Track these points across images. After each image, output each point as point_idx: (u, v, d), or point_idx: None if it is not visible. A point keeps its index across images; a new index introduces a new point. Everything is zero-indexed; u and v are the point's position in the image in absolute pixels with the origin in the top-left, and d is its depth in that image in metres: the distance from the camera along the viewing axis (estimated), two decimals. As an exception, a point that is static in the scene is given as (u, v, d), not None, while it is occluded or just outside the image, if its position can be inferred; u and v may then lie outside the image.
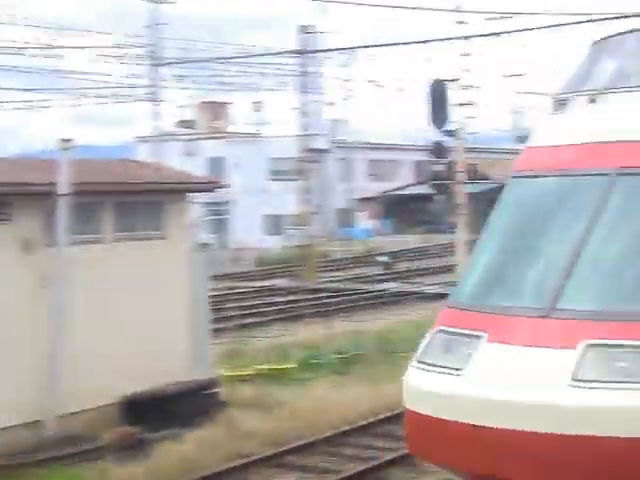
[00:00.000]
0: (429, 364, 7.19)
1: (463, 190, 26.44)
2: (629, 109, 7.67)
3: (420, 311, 24.56)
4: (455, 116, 25.60)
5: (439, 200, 55.80)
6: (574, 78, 8.61)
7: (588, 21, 26.50)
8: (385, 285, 32.84)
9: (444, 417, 6.80)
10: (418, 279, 34.80)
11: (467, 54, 25.26)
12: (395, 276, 36.32)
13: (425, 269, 37.56)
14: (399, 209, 66.57)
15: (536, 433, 6.27)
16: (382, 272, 37.70)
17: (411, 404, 7.27)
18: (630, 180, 7.22)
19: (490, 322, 7.02)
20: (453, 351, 7.10)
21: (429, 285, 31.81)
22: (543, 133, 8.34)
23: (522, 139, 78.48)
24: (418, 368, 7.30)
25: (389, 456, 11.52)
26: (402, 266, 40.24)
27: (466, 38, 25.71)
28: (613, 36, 8.81)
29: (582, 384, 6.26)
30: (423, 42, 29.39)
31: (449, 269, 31.55)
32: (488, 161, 58.34)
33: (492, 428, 6.46)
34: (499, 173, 61.01)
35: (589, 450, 6.11)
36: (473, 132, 25.78)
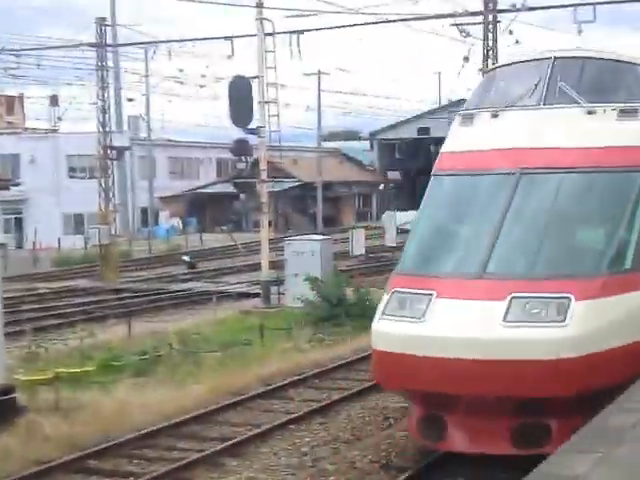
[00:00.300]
0: (393, 316, 9.92)
1: (266, 189, 26.57)
2: (522, 123, 10.88)
3: (224, 310, 24.50)
4: (259, 114, 25.56)
5: (243, 198, 55.97)
6: (474, 99, 11.89)
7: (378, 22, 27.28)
8: (189, 284, 32.57)
9: (410, 352, 9.50)
10: (223, 278, 34.71)
11: (270, 51, 25.35)
12: (199, 275, 36.09)
13: (230, 268, 37.52)
14: (203, 208, 66.30)
15: (478, 359, 9.10)
16: (186, 271, 37.37)
17: (380, 345, 10.02)
18: (529, 177, 10.35)
19: (436, 284, 9.83)
20: (410, 306, 9.84)
21: (233, 284, 31.79)
22: (456, 141, 11.52)
23: (328, 137, 79.31)
24: (384, 320, 10.02)
25: (194, 456, 11.41)
26: (206, 265, 40.03)
27: (268, 35, 25.80)
28: (501, 66, 12.68)
29: (509, 324, 9.19)
30: (224, 38, 29.40)
31: (254, 268, 31.61)
32: (292, 159, 59.02)
33: (447, 358, 9.21)
34: (303, 172, 61.95)
35: (514, 367, 9.03)
36: (276, 130, 25.82)
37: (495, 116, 11.27)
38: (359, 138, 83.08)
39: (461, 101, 62.15)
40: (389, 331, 9.94)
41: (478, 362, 9.14)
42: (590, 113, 10.84)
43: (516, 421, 9.46)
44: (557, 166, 10.49)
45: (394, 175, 72.23)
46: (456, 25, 26.92)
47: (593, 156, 10.46)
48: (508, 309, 9.30)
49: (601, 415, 7.51)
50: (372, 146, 74.85)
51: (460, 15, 27.08)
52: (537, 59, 11.86)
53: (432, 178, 11.51)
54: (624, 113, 10.82)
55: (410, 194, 69.42)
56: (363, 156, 75.18)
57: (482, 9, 26.85)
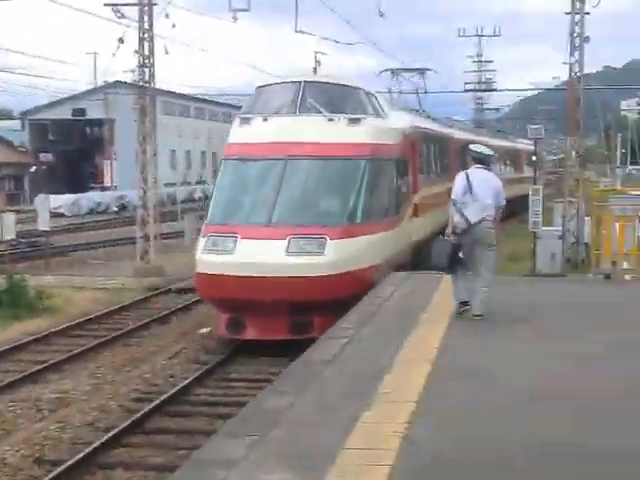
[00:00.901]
0: (210, 251, 14.87)
1: None
2: (285, 125, 16.20)
3: None
4: None
5: None
6: (248, 107, 17.51)
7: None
8: None
9: (225, 274, 14.44)
10: None
11: None
12: None
13: None
14: None
15: (270, 277, 14.05)
16: None
17: (202, 270, 15.01)
18: (293, 162, 15.57)
19: (239, 229, 14.79)
20: (222, 244, 14.76)
21: None
22: (238, 136, 16.73)
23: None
24: (204, 254, 14.97)
25: None
26: None
27: None
28: (266, 85, 18.07)
29: (290, 254, 14.29)
30: None
31: None
32: None
33: (250, 276, 14.11)
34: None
35: (292, 282, 14.02)
36: None
37: (265, 120, 16.53)
38: (10, 117, 79.39)
39: (117, 83, 61.87)
40: (209, 260, 14.92)
41: (270, 278, 14.11)
42: (330, 120, 16.35)
43: (292, 318, 14.45)
44: (311, 155, 15.77)
45: (47, 157, 69.88)
46: (110, 5, 26.40)
47: (333, 149, 15.87)
48: (288, 245, 14.48)
49: (257, 399, 7.73)
50: (23, 126, 71.83)
51: (115, -5, 26.61)
52: (292, 81, 17.17)
53: (223, 162, 16.92)
54: (351, 121, 16.45)
55: (65, 177, 67.60)
56: (13, 136, 71.91)
57: (138, -9, 26.55)
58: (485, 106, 71.13)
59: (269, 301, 14.14)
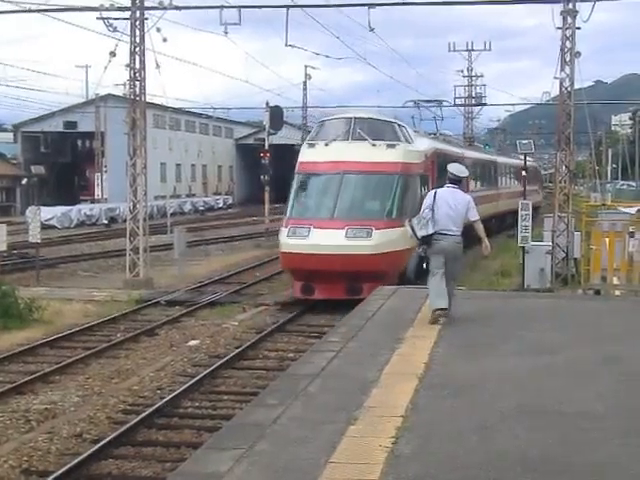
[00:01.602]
0: (291, 236, 20.96)
1: None
2: (341, 148, 22.29)
3: None
4: None
5: None
6: (313, 135, 23.83)
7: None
8: None
9: (300, 252, 20.52)
10: None
11: None
12: None
13: None
14: None
15: (332, 254, 20.06)
16: None
17: (285, 250, 21.17)
18: (347, 176, 21.78)
19: (311, 222, 20.99)
20: (300, 232, 20.78)
21: None
22: (306, 156, 22.90)
23: None
24: (287, 238, 21.02)
25: None
26: None
27: None
28: (326, 120, 24.50)
29: (347, 239, 20.45)
30: None
31: None
32: None
33: (319, 254, 20.09)
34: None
35: (348, 258, 19.96)
36: None
37: (326, 145, 22.77)
38: (1, 130, 79.26)
39: (109, 96, 61.88)
40: (291, 243, 21.00)
41: (333, 255, 20.02)
42: (373, 145, 22.39)
43: (348, 283, 20.18)
44: (360, 171, 21.97)
45: (39, 169, 69.80)
46: (102, 19, 26.44)
47: (375, 167, 21.90)
48: (346, 233, 20.53)
49: (242, 412, 7.74)
50: (16, 138, 71.76)
51: (107, 9, 26.63)
52: (346, 117, 23.64)
53: (296, 175, 22.91)
54: (388, 146, 22.54)
55: (56, 189, 67.53)
56: (5, 148, 71.86)
57: (130, 5, 26.60)
58: (475, 121, 71.33)
59: (332, 271, 20.00)
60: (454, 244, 11.74)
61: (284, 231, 21.42)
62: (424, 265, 11.86)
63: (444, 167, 21.78)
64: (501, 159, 46.28)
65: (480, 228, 12.12)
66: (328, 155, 22.38)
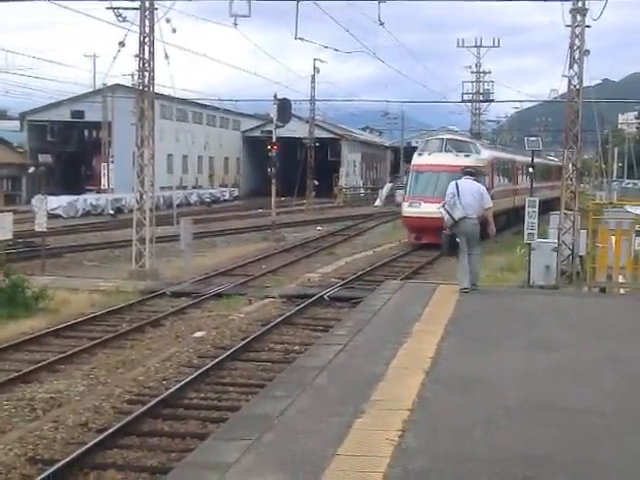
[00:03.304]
0: (409, 206, 35.29)
1: None
2: (438, 156, 36.06)
3: None
4: None
5: None
6: (421, 147, 39.05)
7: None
8: None
9: (413, 216, 34.49)
10: None
11: None
12: None
13: None
14: None
15: (433, 217, 22.85)
16: None
17: (405, 214, 35.82)
18: (441, 173, 33.69)
19: (421, 199, 34.42)
20: (414, 204, 34.79)
21: None
22: (417, 160, 37.15)
23: None
24: (407, 207, 35.54)
25: None
26: None
27: None
28: (429, 139, 40.19)
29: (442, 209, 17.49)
30: None
31: None
32: None
33: (425, 217, 31.36)
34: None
35: (442, 220, 15.48)
36: None
37: (429, 154, 36.38)
38: (4, 118, 79.29)
39: (116, 86, 61.93)
40: (409, 210, 34.80)
41: (433, 218, 23.56)
42: (456, 155, 35.32)
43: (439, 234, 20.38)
44: (448, 170, 31.17)
45: (45, 158, 69.86)
46: (112, 9, 26.44)
47: (457, 168, 23.79)
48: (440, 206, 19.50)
49: (250, 404, 7.78)
50: (22, 127, 71.82)
51: (116, -1, 26.62)
52: (440, 138, 38.62)
53: (411, 171, 37.15)
54: (465, 155, 35.57)
55: (62, 178, 67.60)
56: (12, 137, 71.92)
57: (140, -5, 26.59)
58: (482, 117, 71.27)
59: (431, 227, 27.56)
60: (473, 227, 15.09)
61: (405, 204, 36.06)
62: (456, 241, 15.20)
63: (499, 167, 42.71)
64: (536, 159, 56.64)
65: (490, 214, 15.64)
66: (430, 160, 36.12)
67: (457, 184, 15.16)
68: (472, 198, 15.01)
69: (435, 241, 29.34)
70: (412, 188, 36.21)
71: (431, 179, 35.05)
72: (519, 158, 47.13)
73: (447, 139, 37.89)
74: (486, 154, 38.01)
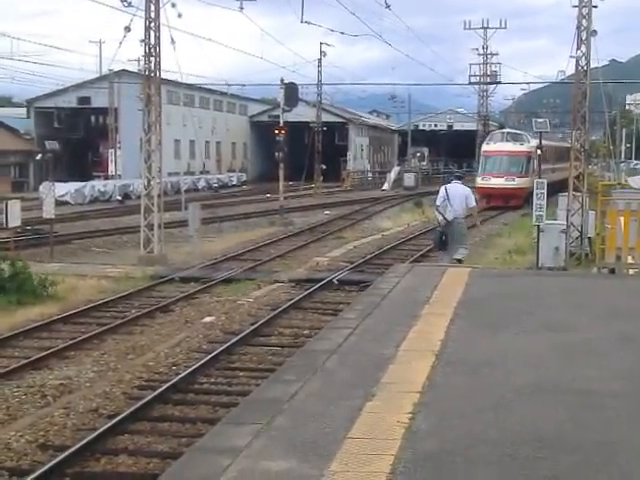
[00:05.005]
0: (482, 179, 47.96)
1: None
2: (502, 144, 50.13)
3: None
4: None
5: None
6: (489, 138, 53.66)
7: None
8: None
9: (484, 186, 46.77)
10: None
11: None
12: None
13: None
14: None
15: (500, 187, 46.94)
16: None
17: (479, 185, 46.15)
18: (503, 156, 48.87)
19: (490, 175, 48.00)
20: (486, 178, 47.86)
21: None
22: (486, 147, 50.90)
23: None
24: (480, 180, 47.74)
25: None
26: None
27: None
28: (495, 132, 56.46)
29: (505, 181, 47.56)
30: None
31: None
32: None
33: (494, 187, 47.00)
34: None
35: (506, 189, 47.03)
36: None
37: (495, 143, 50.33)
38: (11, 104, 79.25)
39: (122, 71, 61.86)
40: (482, 182, 47.05)
41: (500, 188, 46.61)
42: (513, 144, 49.52)
43: (505, 199, 46.62)
44: (508, 154, 48.42)
45: (52, 145, 69.82)
46: (118, -6, 26.37)
47: (515, 153, 48.27)
48: (505, 179, 46.85)
49: (260, 388, 7.78)
50: (29, 114, 71.82)
51: (122, -16, 26.55)
52: (502, 132, 54.16)
53: (482, 156, 50.53)
54: (520, 144, 49.61)
55: (69, 165, 67.61)
56: (19, 124, 71.94)
57: (145, -20, 26.49)
58: (490, 99, 71.05)
59: (499, 194, 45.67)
60: (459, 225, 17.92)
61: (479, 178, 47.80)
62: (443, 238, 17.84)
63: (543, 152, 33.67)
64: (560, 144, 67.21)
65: (475, 210, 20.00)
66: (495, 148, 49.30)
67: (446, 189, 17.88)
68: (460, 201, 17.81)
69: (500, 204, 45.88)
70: (483, 168, 49.32)
71: (496, 161, 48.58)
72: (554, 144, 59.05)
73: (507, 132, 53.58)
74: (533, 142, 45.81)
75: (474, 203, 18.80)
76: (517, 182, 46.73)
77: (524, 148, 48.38)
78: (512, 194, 46.41)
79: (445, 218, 17.51)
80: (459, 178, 19.15)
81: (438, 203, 17.89)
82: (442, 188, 18.07)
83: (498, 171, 47.77)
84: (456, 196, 17.72)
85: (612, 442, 6.15)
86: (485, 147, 51.14)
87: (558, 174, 52.88)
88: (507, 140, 50.21)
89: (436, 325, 9.93)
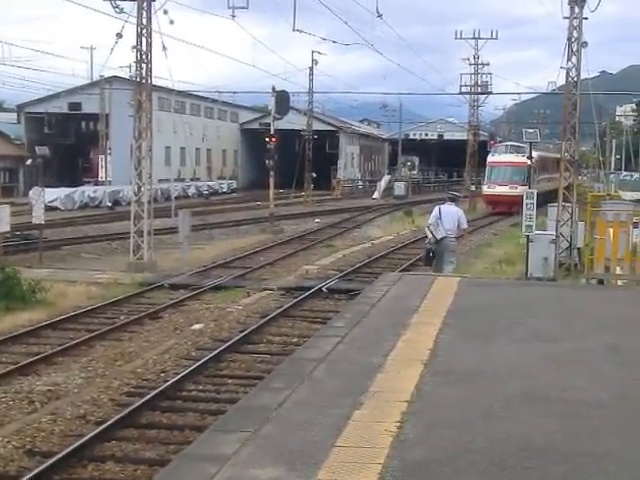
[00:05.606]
0: (488, 187, 55.55)
1: None
2: (505, 156, 57.12)
3: None
4: None
5: None
6: (494, 150, 60.37)
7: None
8: None
9: (489, 194, 55.04)
10: None
11: None
12: None
13: None
14: None
15: (504, 194, 52.63)
16: None
17: (485, 193, 56.21)
18: (507, 167, 55.64)
19: (495, 183, 54.96)
20: (491, 186, 55.02)
21: None
22: (491, 158, 57.59)
23: None
24: (486, 188, 55.77)
25: None
26: None
27: None
28: (500, 145, 63.31)
29: (509, 189, 53.65)
30: None
31: None
32: None
33: (499, 194, 53.53)
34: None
35: (509, 197, 50.83)
36: None
37: (499, 154, 57.37)
38: (4, 110, 79.06)
39: (114, 78, 61.82)
40: (488, 190, 55.16)
41: (504, 196, 52.11)
42: (516, 155, 54.79)
43: (508, 206, 50.11)
44: (510, 165, 54.90)
45: (43, 150, 69.70)
46: (109, 0, 26.36)
47: (516, 163, 53.77)
48: (509, 187, 52.44)
49: (248, 396, 7.76)
50: (19, 119, 71.66)
51: (114, -9, 26.54)
52: (506, 144, 61.23)
53: (487, 166, 56.77)
54: (521, 155, 52.52)
55: (59, 171, 67.46)
56: (9, 129, 71.78)
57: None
58: (480, 109, 71.20)
59: (503, 202, 51.39)
60: (451, 244, 19.01)
61: (485, 187, 55.12)
62: (431, 254, 18.85)
63: (539, 163, 55.84)
64: (553, 155, 71.42)
65: (467, 230, 22.06)
66: (499, 159, 55.66)
67: (440, 209, 18.85)
68: (452, 221, 18.86)
69: (504, 210, 50.78)
70: (489, 177, 55.46)
71: (500, 171, 54.76)
72: (552, 155, 63.60)
73: (510, 145, 59.70)
74: (534, 154, 48.85)
75: (466, 225, 19.88)
76: (519, 190, 48.75)
77: (523, 159, 52.30)
78: (515, 201, 47.99)
79: (434, 236, 18.50)
80: (453, 200, 19.80)
81: (430, 222, 18.91)
82: (436, 208, 19.00)
83: (502, 180, 54.07)
84: (448, 216, 18.76)
85: (601, 452, 6.15)
86: (490, 158, 57.08)
87: (555, 183, 55.17)
88: (510, 152, 56.53)
89: (425, 334, 9.93)
